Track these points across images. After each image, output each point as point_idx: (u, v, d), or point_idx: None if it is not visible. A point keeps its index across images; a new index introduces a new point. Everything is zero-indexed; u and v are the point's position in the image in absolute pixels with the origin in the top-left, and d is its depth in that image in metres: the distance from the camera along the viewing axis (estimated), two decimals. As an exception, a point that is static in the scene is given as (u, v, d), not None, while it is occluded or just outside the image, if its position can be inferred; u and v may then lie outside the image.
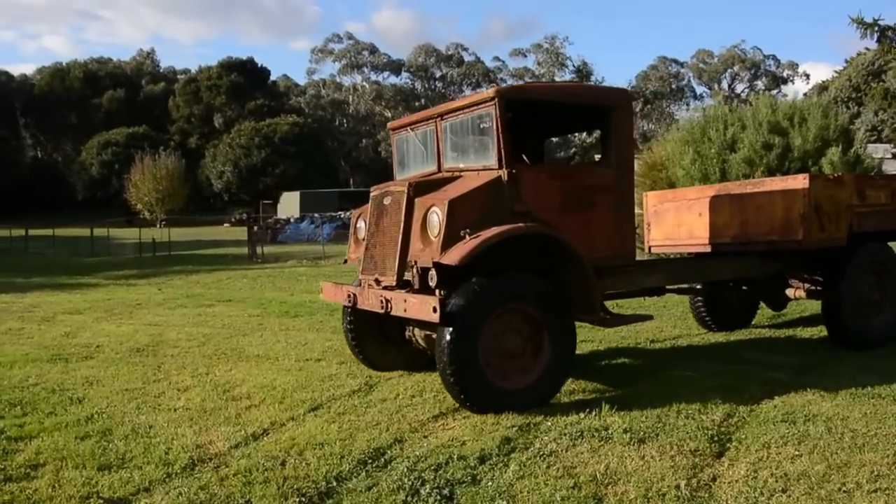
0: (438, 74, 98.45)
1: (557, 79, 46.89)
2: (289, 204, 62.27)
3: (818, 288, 9.60)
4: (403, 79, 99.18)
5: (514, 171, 6.92)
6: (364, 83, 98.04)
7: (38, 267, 28.38)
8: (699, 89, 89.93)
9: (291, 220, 52.64)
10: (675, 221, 10.33)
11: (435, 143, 7.91)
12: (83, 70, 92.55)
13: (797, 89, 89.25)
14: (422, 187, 7.18)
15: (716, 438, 5.97)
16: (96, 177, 75.57)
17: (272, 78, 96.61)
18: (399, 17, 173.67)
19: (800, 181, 8.85)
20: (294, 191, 64.54)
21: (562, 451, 5.76)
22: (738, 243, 9.47)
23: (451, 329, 6.39)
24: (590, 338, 10.27)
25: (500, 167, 6.94)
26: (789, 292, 9.80)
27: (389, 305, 6.90)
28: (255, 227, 33.72)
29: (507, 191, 6.89)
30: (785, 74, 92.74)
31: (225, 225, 64.38)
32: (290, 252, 32.94)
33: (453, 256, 6.41)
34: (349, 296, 7.67)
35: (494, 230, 6.51)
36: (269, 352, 9.91)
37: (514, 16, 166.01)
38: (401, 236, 7.01)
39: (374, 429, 6.45)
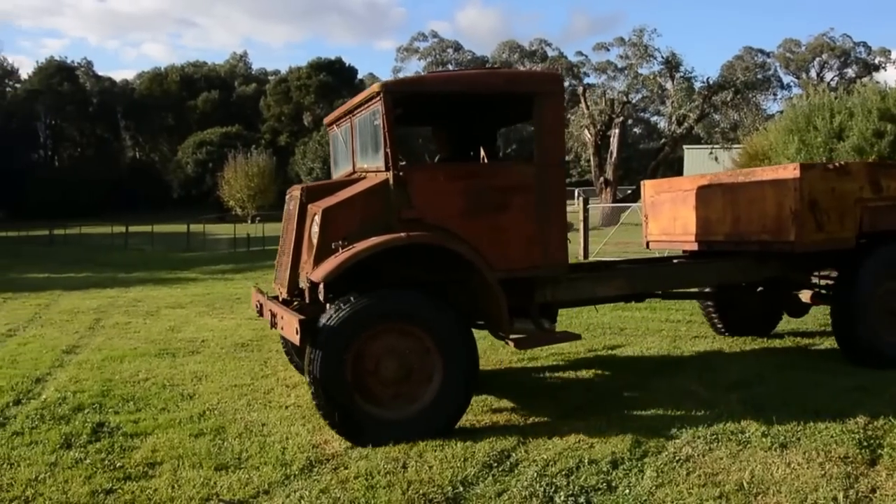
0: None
1: (644, 72, 45.62)
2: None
3: (827, 293, 8.50)
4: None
5: (400, 173, 6.10)
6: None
7: (138, 262, 29.07)
8: (786, 79, 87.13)
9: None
10: (670, 214, 9.35)
11: (350, 140, 7.19)
12: (180, 74, 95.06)
13: (890, 76, 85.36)
14: (314, 192, 6.56)
15: (865, 444, 5.50)
16: (191, 175, 77.33)
17: (359, 77, 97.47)
18: (483, 14, 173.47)
19: (790, 171, 7.66)
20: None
21: (698, 455, 5.37)
22: (731, 242, 8.39)
23: (316, 351, 5.72)
24: (705, 334, 9.79)
25: (388, 169, 6.14)
26: (804, 296, 8.72)
27: (275, 320, 6.36)
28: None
29: (394, 195, 6.07)
30: (877, 61, 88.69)
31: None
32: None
33: (319, 273, 5.82)
34: (257, 305, 7.18)
35: (369, 242, 5.81)
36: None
37: (598, 12, 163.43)
38: (292, 245, 6.55)
39: (494, 429, 6.15)
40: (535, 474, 5.10)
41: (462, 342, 5.99)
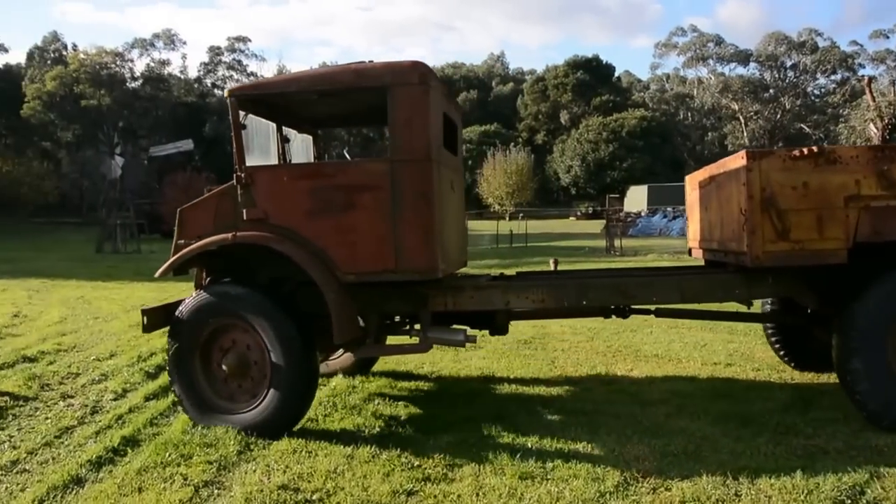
0: (789, 63, 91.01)
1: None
2: (636, 198, 60.84)
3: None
4: (751, 69, 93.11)
5: (242, 174, 6.06)
6: (710, 75, 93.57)
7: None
8: None
9: (642, 213, 51.23)
10: (693, 215, 7.72)
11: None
12: (440, 75, 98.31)
13: None
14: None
15: None
16: (453, 173, 79.66)
17: (616, 75, 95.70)
18: (745, 7, 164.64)
19: (737, 160, 5.93)
20: (641, 185, 63.05)
21: None
22: (720, 251, 6.73)
23: (170, 341, 6.13)
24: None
25: (234, 171, 6.13)
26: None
27: None
28: (611, 221, 32.82)
29: (241, 196, 6.09)
30: None
31: (571, 218, 64.70)
32: (649, 245, 31.58)
33: (159, 270, 6.31)
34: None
35: (200, 242, 6.10)
36: (667, 352, 8.86)
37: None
38: None
39: (834, 456, 5.19)
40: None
41: (290, 345, 5.83)
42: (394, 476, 5.00)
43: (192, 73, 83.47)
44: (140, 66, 74.07)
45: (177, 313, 6.11)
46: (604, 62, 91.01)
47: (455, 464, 5.22)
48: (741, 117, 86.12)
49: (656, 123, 78.47)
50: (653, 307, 6.78)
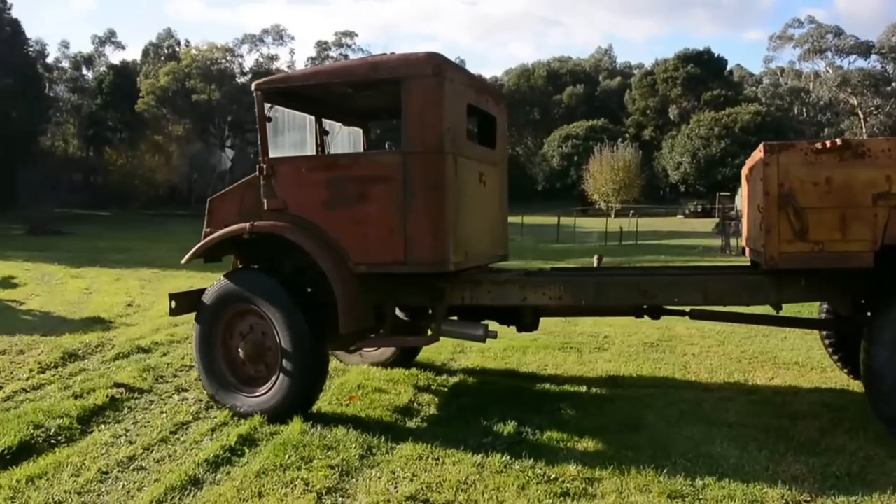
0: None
1: None
2: (748, 196, 58.84)
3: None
4: (872, 62, 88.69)
5: (264, 164, 6.23)
6: (827, 69, 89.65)
7: (511, 250, 29.41)
8: None
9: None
10: (746, 211, 6.93)
11: None
12: (546, 69, 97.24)
13: None
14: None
15: None
16: (556, 168, 78.41)
17: (728, 68, 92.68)
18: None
19: (756, 155, 5.45)
20: (754, 182, 60.88)
21: None
22: (753, 250, 6.21)
23: (195, 325, 6.36)
24: None
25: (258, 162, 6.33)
26: None
27: None
28: (727, 219, 31.57)
29: (263, 186, 6.24)
30: None
31: (678, 216, 62.91)
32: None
33: (185, 257, 6.63)
34: None
35: (221, 231, 6.33)
36: (808, 360, 8.20)
37: None
38: None
39: None
40: None
41: (301, 332, 5.89)
42: (529, 489, 4.65)
43: (300, 67, 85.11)
44: (249, 61, 75.85)
45: (202, 299, 6.33)
46: (715, 55, 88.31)
47: (594, 478, 4.84)
48: (860, 112, 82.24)
49: (771, 119, 75.60)
50: (687, 308, 6.34)
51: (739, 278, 5.98)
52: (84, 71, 77.59)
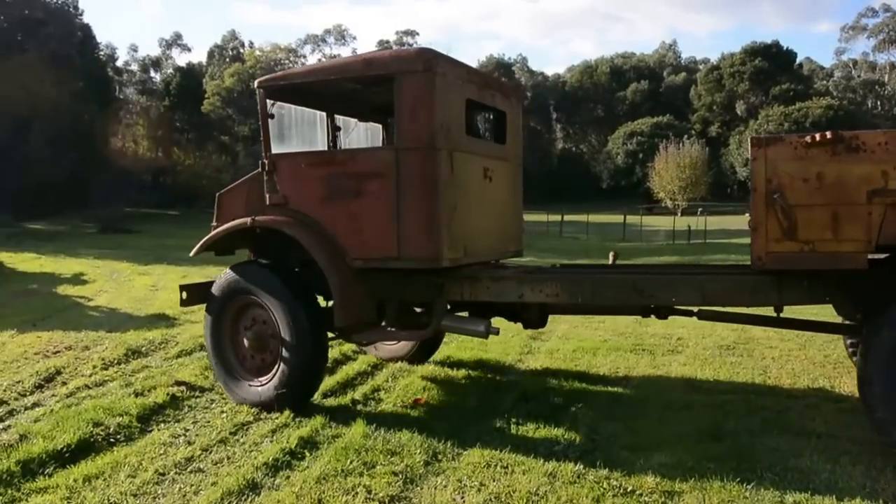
0: None
1: None
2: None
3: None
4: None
5: (266, 160, 6.38)
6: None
7: (576, 250, 29.04)
8: None
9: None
10: None
11: None
12: (609, 66, 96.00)
13: None
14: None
15: None
16: (621, 166, 77.22)
17: (797, 62, 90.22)
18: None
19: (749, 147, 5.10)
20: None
21: None
22: None
23: (206, 316, 6.54)
24: None
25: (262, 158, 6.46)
26: None
27: None
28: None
29: (266, 182, 6.38)
30: None
31: (747, 214, 61.42)
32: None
33: (193, 250, 6.79)
34: None
35: (225, 226, 6.51)
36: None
37: None
38: None
39: None
40: None
41: (299, 324, 6.00)
42: (605, 502, 4.37)
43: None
44: (312, 61, 76.59)
45: (211, 290, 6.51)
46: (784, 48, 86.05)
47: (674, 490, 4.53)
48: (940, 105, 79.30)
49: (843, 113, 73.33)
50: (695, 308, 6.04)
51: (738, 279, 5.64)
52: (152, 73, 79.41)
